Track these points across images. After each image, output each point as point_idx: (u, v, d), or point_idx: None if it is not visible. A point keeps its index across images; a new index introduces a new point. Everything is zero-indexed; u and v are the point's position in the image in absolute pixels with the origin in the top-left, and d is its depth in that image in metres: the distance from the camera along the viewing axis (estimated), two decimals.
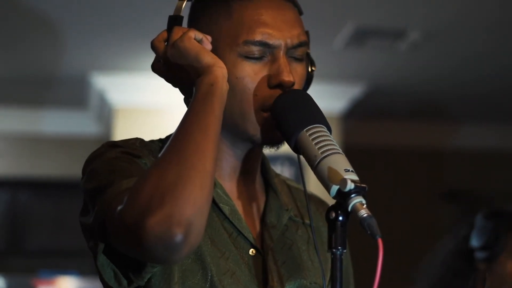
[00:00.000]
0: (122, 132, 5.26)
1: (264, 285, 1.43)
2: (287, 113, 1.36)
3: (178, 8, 1.44)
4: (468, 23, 4.35)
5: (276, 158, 5.05)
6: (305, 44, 1.46)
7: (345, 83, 5.35)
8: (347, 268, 1.61)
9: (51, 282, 5.53)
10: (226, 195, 1.46)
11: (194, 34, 1.39)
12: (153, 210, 1.20)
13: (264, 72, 1.42)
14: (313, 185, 1.59)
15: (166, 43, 1.42)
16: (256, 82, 1.42)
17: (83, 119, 6.15)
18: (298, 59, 1.46)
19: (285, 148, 1.41)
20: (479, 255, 2.51)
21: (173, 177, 1.23)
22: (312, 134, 1.32)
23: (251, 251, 1.44)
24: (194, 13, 1.48)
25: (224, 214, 1.44)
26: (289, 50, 1.44)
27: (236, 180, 1.49)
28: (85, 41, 4.64)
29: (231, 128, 1.44)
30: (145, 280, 1.36)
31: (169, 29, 1.42)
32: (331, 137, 1.33)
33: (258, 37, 1.41)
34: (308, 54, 1.50)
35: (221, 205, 1.44)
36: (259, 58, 1.42)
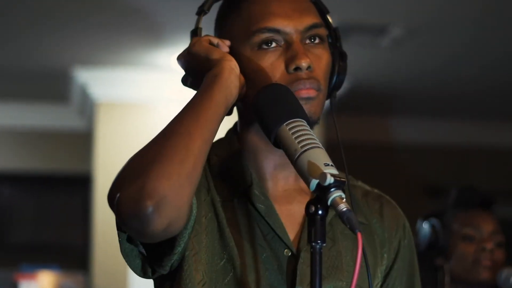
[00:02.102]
0: (104, 126, 5.25)
1: (292, 286, 1.41)
2: (267, 107, 1.36)
3: (197, 22, 1.48)
4: (451, 19, 4.37)
5: None
6: (319, 25, 1.46)
7: None
8: (413, 265, 1.57)
9: (32, 277, 5.51)
10: (264, 194, 1.45)
11: (208, 39, 1.43)
12: (127, 184, 1.25)
13: (280, 61, 1.43)
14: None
15: None
16: (273, 71, 1.42)
17: (65, 113, 6.13)
18: (316, 42, 1.46)
19: None
20: (432, 253, 2.52)
21: (153, 154, 1.27)
22: (292, 128, 1.32)
23: (285, 252, 1.43)
24: (215, 23, 1.52)
25: (260, 214, 1.44)
26: (303, 35, 1.44)
27: (277, 179, 1.49)
28: (67, 35, 4.63)
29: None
30: (167, 268, 1.38)
31: None
32: (311, 132, 1.34)
33: (266, 24, 1.42)
34: (339, 47, 1.51)
35: (257, 204, 1.44)
36: (272, 47, 1.43)
